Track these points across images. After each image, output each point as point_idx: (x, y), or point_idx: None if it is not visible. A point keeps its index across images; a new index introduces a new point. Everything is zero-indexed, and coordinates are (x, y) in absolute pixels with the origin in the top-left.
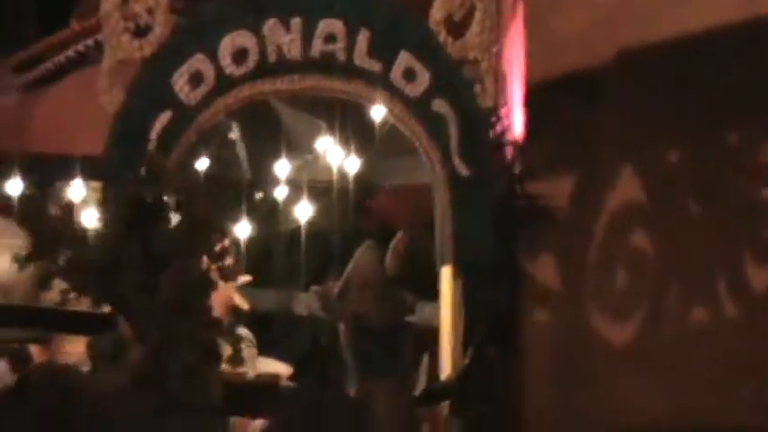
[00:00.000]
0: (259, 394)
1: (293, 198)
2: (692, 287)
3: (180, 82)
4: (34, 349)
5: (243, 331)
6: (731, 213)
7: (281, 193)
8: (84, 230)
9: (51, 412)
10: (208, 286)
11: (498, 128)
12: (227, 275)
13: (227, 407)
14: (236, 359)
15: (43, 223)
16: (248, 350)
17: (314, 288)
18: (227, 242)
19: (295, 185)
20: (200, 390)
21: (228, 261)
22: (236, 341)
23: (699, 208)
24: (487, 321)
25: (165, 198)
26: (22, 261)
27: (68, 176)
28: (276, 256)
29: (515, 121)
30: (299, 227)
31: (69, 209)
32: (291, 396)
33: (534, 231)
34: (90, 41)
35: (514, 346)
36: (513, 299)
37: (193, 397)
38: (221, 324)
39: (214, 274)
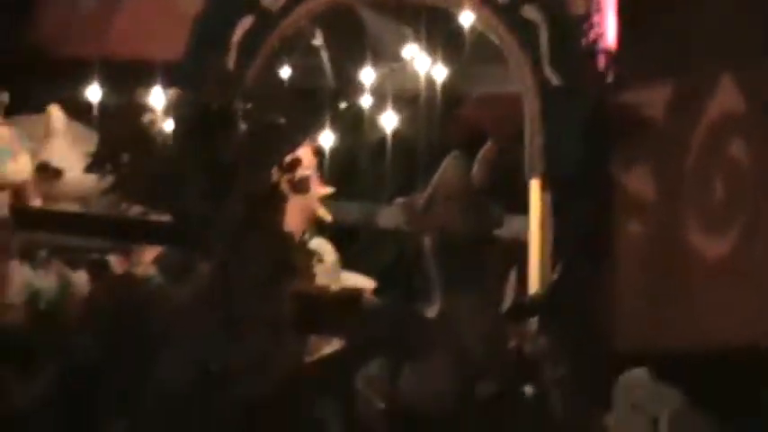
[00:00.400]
0: (342, 308)
1: (379, 107)
2: None
3: None
4: (114, 259)
5: (323, 244)
6: None
7: (366, 102)
8: (147, 136)
9: (120, 324)
10: (278, 199)
11: (591, 35)
12: (299, 188)
13: (302, 322)
14: (307, 275)
15: (109, 128)
16: (331, 263)
17: (398, 200)
18: (301, 153)
19: (380, 94)
20: (269, 306)
21: (301, 173)
22: (308, 256)
23: None
24: (578, 235)
25: (235, 106)
26: (88, 166)
27: (148, 83)
28: (361, 167)
29: (609, 29)
30: (385, 137)
31: (135, 112)
32: (374, 313)
33: (628, 142)
34: None
35: (606, 259)
36: (606, 211)
37: (263, 313)
38: (292, 238)
39: (285, 186)
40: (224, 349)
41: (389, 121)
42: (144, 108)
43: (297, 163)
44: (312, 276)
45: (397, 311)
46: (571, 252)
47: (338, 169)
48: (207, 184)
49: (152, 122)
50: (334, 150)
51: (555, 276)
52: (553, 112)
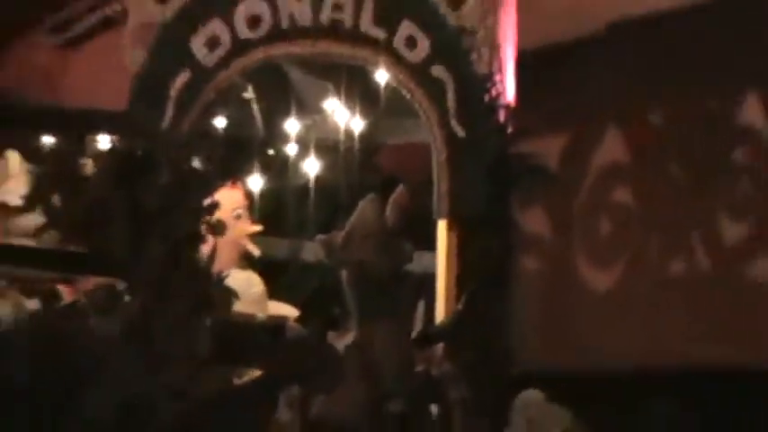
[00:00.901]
0: (268, 334)
1: (303, 154)
2: (670, 240)
3: (198, 44)
4: (64, 289)
5: (251, 276)
6: (707, 173)
7: (291, 149)
8: (76, 179)
9: (45, 355)
10: (197, 240)
11: (493, 92)
12: (217, 230)
13: (224, 352)
14: (226, 310)
15: (42, 170)
16: (258, 293)
17: (319, 237)
18: (232, 194)
19: (304, 143)
20: (190, 340)
21: (217, 216)
22: (227, 293)
23: (677, 167)
24: (480, 269)
25: (157, 153)
26: (24, 204)
27: (94, 130)
28: (288, 207)
29: (509, 86)
30: (309, 181)
31: (67, 156)
32: (293, 343)
33: (526, 186)
34: (117, 5)
35: (506, 290)
36: (506, 248)
37: (183, 347)
38: (211, 276)
39: (204, 228)
40: (146, 382)
41: (312, 166)
42: (74, 153)
43: (214, 207)
44: (229, 311)
45: (312, 342)
46: (474, 285)
47: (267, 209)
48: (130, 226)
49: (84, 167)
50: (264, 192)
51: (459, 307)
52: (458, 160)
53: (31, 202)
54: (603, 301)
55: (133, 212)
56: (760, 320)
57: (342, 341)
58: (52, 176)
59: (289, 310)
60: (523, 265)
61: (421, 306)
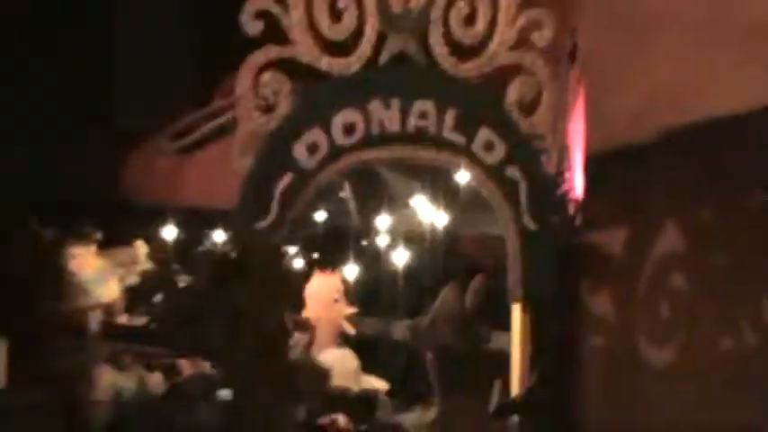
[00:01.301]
0: (361, 405)
1: (393, 245)
2: (719, 321)
3: (299, 150)
4: (183, 363)
5: (347, 353)
6: (752, 261)
7: (383, 240)
8: (175, 281)
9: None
10: (284, 335)
11: (564, 188)
12: (301, 327)
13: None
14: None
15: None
16: (353, 368)
17: (406, 322)
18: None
19: (394, 235)
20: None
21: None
22: (316, 378)
23: (725, 255)
24: (551, 348)
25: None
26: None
27: (211, 227)
28: (382, 291)
29: (577, 184)
30: (398, 269)
31: (166, 259)
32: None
33: (594, 273)
34: (229, 115)
35: (574, 368)
36: (575, 328)
37: None
38: (299, 366)
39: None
40: None
41: (401, 256)
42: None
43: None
44: (319, 395)
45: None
46: (546, 361)
47: (364, 293)
48: (224, 323)
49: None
50: (361, 279)
51: (531, 382)
52: (530, 250)
53: (136, 299)
54: (661, 376)
55: (227, 311)
56: None
57: (426, 416)
58: (154, 278)
59: (380, 384)
60: (591, 343)
61: (498, 383)
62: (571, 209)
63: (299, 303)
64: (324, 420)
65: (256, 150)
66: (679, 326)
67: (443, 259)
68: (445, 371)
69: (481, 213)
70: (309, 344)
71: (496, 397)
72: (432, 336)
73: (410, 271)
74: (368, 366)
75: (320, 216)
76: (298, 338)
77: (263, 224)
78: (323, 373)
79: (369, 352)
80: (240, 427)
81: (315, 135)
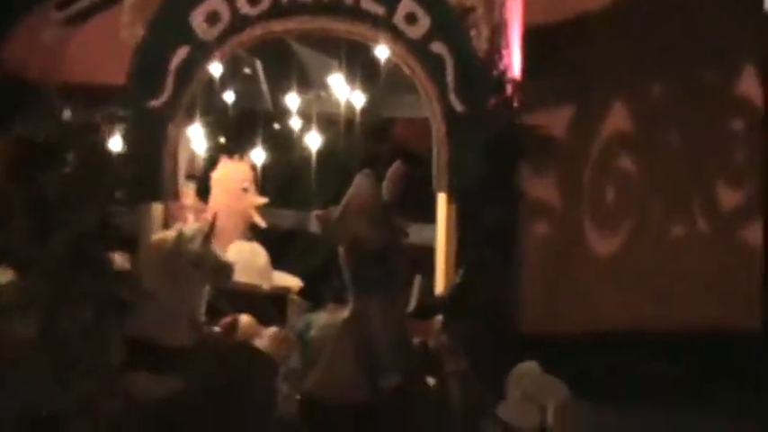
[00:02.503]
0: (269, 305)
1: (308, 128)
2: (671, 206)
3: (197, 19)
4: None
5: (256, 247)
6: (706, 142)
7: (294, 123)
8: None
9: None
10: (106, 236)
11: (500, 67)
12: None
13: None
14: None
15: None
16: (263, 265)
17: (315, 212)
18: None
19: (307, 117)
20: (100, 348)
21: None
22: (139, 294)
23: (678, 136)
24: (482, 240)
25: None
26: None
27: (95, 104)
28: (296, 180)
29: (515, 62)
30: (316, 154)
31: None
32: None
33: (534, 158)
34: None
35: (510, 262)
36: (512, 219)
37: (94, 356)
38: (123, 276)
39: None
40: (53, 393)
41: (314, 140)
42: None
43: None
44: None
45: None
46: (475, 256)
47: (277, 182)
48: (31, 222)
49: None
50: (271, 165)
51: (457, 279)
52: (457, 134)
53: None
54: (608, 267)
55: (34, 205)
56: (753, 281)
57: (338, 316)
58: None
59: (292, 282)
60: (531, 233)
61: (417, 280)
62: (509, 88)
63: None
64: (225, 321)
65: (148, 19)
66: (627, 212)
67: (370, 144)
68: (359, 267)
69: (411, 95)
70: (209, 236)
71: (416, 295)
72: (343, 228)
73: (328, 157)
74: (280, 262)
75: (228, 97)
76: (196, 229)
77: (155, 103)
78: (225, 269)
79: (282, 246)
80: (56, 343)
81: (215, 2)
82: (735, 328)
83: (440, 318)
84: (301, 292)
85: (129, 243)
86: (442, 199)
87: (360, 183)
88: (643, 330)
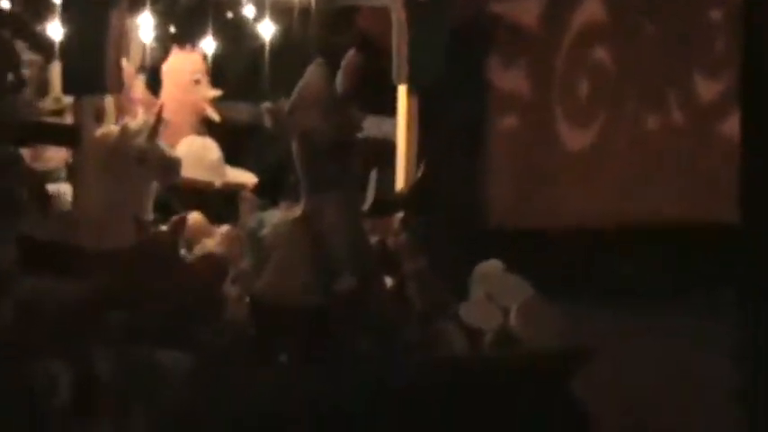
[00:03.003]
0: (220, 202)
1: (260, 16)
2: (645, 98)
3: None
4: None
5: (208, 142)
6: (682, 32)
7: (248, 11)
8: None
9: None
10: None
11: None
12: None
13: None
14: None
15: None
16: (215, 160)
17: (264, 105)
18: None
19: (261, 4)
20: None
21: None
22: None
23: (653, 26)
24: (445, 136)
25: None
26: None
27: None
28: (252, 72)
29: None
30: (271, 44)
31: None
32: None
33: (504, 47)
34: None
35: (477, 157)
36: (478, 112)
37: None
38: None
39: None
40: None
41: (267, 29)
42: None
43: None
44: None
45: None
46: (437, 151)
47: (229, 73)
48: None
49: None
50: (226, 56)
51: (418, 174)
52: (418, 23)
53: None
54: (580, 160)
55: None
56: (730, 174)
57: (291, 214)
58: None
59: (247, 178)
60: (499, 125)
61: (373, 175)
62: None
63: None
64: (174, 219)
65: None
66: (600, 104)
67: (328, 34)
68: (310, 162)
69: None
70: (155, 130)
71: (372, 192)
72: (293, 121)
73: (285, 48)
74: (236, 158)
75: None
76: (141, 122)
77: None
78: (172, 165)
79: (238, 141)
80: None
81: None
82: (712, 222)
83: (399, 215)
84: (256, 189)
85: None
86: (402, 91)
87: (311, 73)
88: (616, 225)
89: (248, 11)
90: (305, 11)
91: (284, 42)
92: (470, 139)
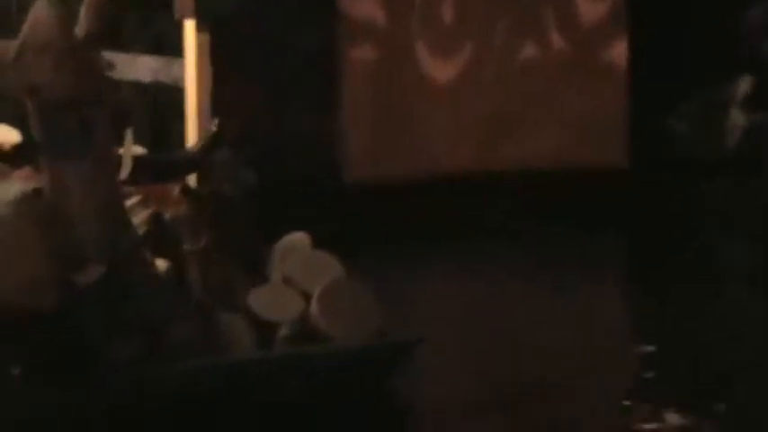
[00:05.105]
0: None
1: None
2: (520, 23)
3: None
4: None
5: None
6: None
7: None
8: None
9: None
10: None
11: None
12: None
13: None
14: None
15: None
16: None
17: None
18: None
19: None
20: None
21: None
22: None
23: None
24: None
25: None
26: None
27: None
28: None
29: None
30: None
31: None
32: None
33: None
34: None
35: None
36: (330, 41)
37: None
38: None
39: None
40: None
41: None
42: None
43: None
44: None
45: None
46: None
47: None
48: None
49: None
50: None
51: (213, 127)
52: None
53: None
54: (446, 94)
55: None
56: (618, 110)
57: (17, 187)
58: None
59: (9, 135)
60: (353, 58)
61: (128, 135)
62: None
63: None
64: None
65: None
66: (467, 31)
67: None
68: (47, 124)
69: None
70: None
71: (129, 156)
72: (19, 73)
73: None
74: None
75: None
76: None
77: None
78: None
79: None
80: None
81: None
82: (598, 164)
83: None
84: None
85: None
86: (190, 28)
87: (37, 13)
88: (489, 169)
89: None
90: None
91: None
92: (317, 77)
